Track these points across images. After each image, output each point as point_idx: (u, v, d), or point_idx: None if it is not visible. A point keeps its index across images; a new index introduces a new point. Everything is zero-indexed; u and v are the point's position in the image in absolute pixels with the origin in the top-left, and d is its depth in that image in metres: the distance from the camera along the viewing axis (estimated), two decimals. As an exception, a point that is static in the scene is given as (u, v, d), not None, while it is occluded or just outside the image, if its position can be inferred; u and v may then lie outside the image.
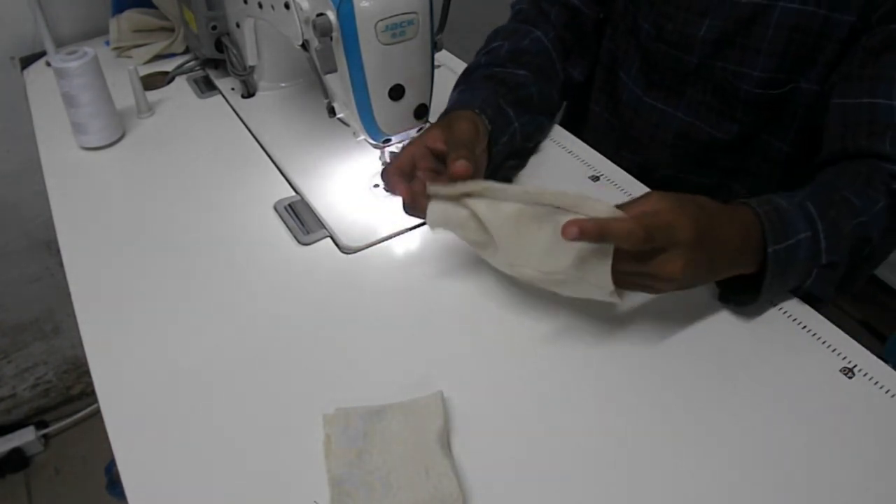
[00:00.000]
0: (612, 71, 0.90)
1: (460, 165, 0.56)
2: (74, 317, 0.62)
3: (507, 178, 0.76)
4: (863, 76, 0.66)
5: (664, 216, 0.50)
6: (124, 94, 0.90)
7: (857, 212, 0.59)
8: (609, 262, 0.49)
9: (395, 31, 0.58)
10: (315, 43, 0.60)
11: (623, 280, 0.52)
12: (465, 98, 0.71)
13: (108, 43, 1.07)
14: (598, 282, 0.51)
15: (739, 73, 0.75)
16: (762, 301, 0.58)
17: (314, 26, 0.57)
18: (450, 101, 0.75)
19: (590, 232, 0.47)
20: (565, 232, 0.47)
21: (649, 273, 0.51)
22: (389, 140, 0.68)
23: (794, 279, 0.58)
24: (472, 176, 0.56)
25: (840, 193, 0.60)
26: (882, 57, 0.66)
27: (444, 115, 0.68)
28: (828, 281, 0.59)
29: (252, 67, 0.92)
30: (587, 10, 0.85)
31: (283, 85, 0.95)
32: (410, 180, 0.60)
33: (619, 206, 0.51)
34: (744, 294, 0.59)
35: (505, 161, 0.75)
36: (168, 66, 1.02)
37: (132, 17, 1.05)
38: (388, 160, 0.73)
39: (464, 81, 0.78)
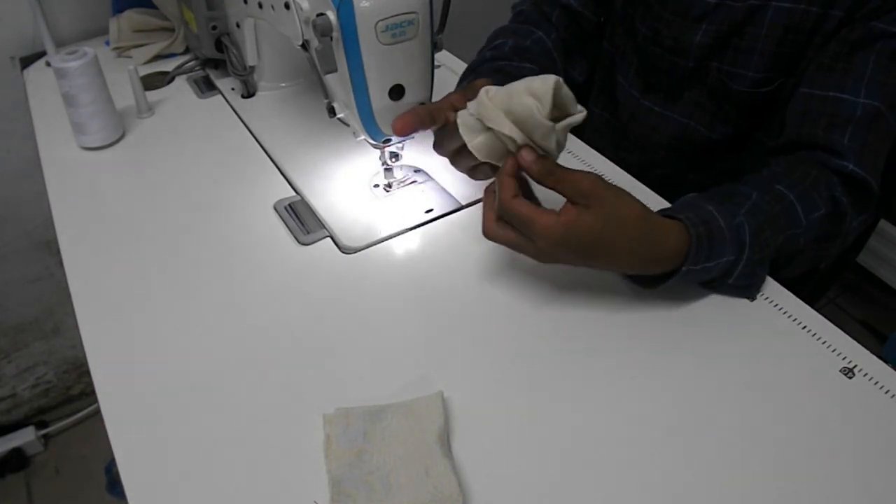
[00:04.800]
0: (611, 72, 0.90)
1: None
2: (74, 317, 0.62)
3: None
4: (834, 69, 0.67)
5: (551, 217, 0.53)
6: (124, 94, 0.90)
7: (796, 223, 0.60)
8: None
9: (395, 31, 0.58)
10: (315, 43, 0.60)
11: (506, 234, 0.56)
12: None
13: (108, 43, 1.07)
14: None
15: (733, 73, 0.75)
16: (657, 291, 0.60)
17: (314, 26, 0.57)
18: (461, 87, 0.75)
19: (509, 170, 0.55)
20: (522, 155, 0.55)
21: (524, 234, 0.55)
22: (389, 140, 0.68)
23: (698, 283, 0.61)
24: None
25: (786, 201, 0.61)
26: (857, 53, 0.66)
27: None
28: (730, 292, 0.61)
29: (252, 67, 0.92)
30: (587, 12, 0.85)
31: (283, 85, 0.95)
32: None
33: (558, 168, 0.55)
34: (643, 281, 0.61)
35: None
36: (168, 66, 1.02)
37: (132, 17, 1.05)
38: (388, 160, 0.73)
39: (470, 75, 0.77)
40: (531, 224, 0.53)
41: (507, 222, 0.56)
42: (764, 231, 0.58)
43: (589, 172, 0.54)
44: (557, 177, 0.54)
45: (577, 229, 0.52)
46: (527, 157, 0.54)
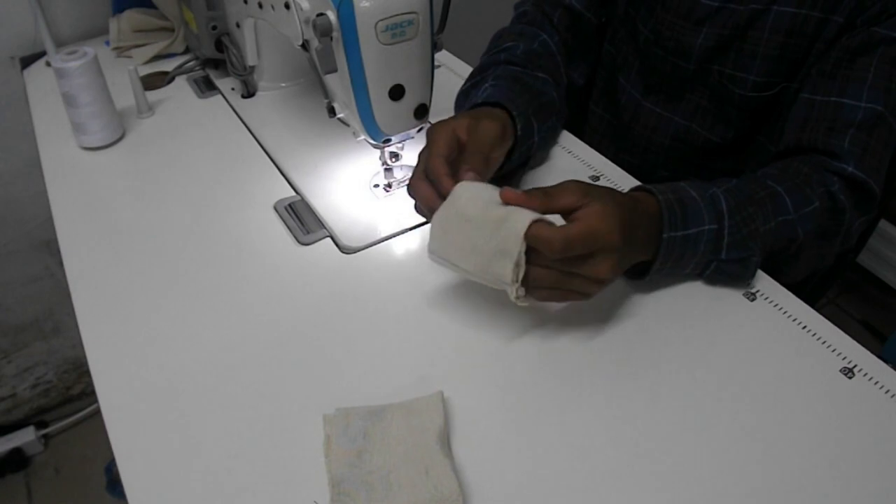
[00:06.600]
0: (612, 74, 0.90)
1: (468, 175, 0.56)
2: (74, 317, 0.62)
3: (514, 178, 0.75)
4: (836, 75, 0.67)
5: (588, 222, 0.51)
6: (124, 94, 0.90)
7: (784, 210, 0.60)
8: (512, 259, 0.51)
9: (395, 31, 0.58)
10: (315, 43, 0.60)
11: (555, 285, 0.53)
12: (501, 95, 0.69)
13: (108, 43, 1.07)
14: (502, 276, 0.52)
15: (735, 77, 0.75)
16: (650, 280, 0.60)
17: (314, 26, 0.57)
18: (479, 92, 0.72)
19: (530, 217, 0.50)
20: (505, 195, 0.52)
21: (582, 275, 0.53)
22: (389, 140, 0.68)
23: (692, 267, 0.60)
24: (481, 175, 0.57)
25: (771, 189, 0.61)
26: (858, 59, 0.66)
27: (476, 106, 0.68)
28: (731, 275, 0.61)
29: (252, 67, 0.92)
30: (589, 14, 0.85)
31: (283, 85, 0.95)
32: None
33: (543, 189, 0.53)
34: (634, 272, 0.60)
35: (519, 168, 0.74)
36: (168, 66, 1.02)
37: (132, 17, 1.05)
38: (388, 160, 0.73)
39: (491, 77, 0.75)
40: (593, 233, 0.51)
41: (564, 261, 0.52)
42: (746, 208, 0.59)
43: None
44: (549, 194, 0.53)
45: (607, 214, 0.52)
46: (511, 191, 0.53)
